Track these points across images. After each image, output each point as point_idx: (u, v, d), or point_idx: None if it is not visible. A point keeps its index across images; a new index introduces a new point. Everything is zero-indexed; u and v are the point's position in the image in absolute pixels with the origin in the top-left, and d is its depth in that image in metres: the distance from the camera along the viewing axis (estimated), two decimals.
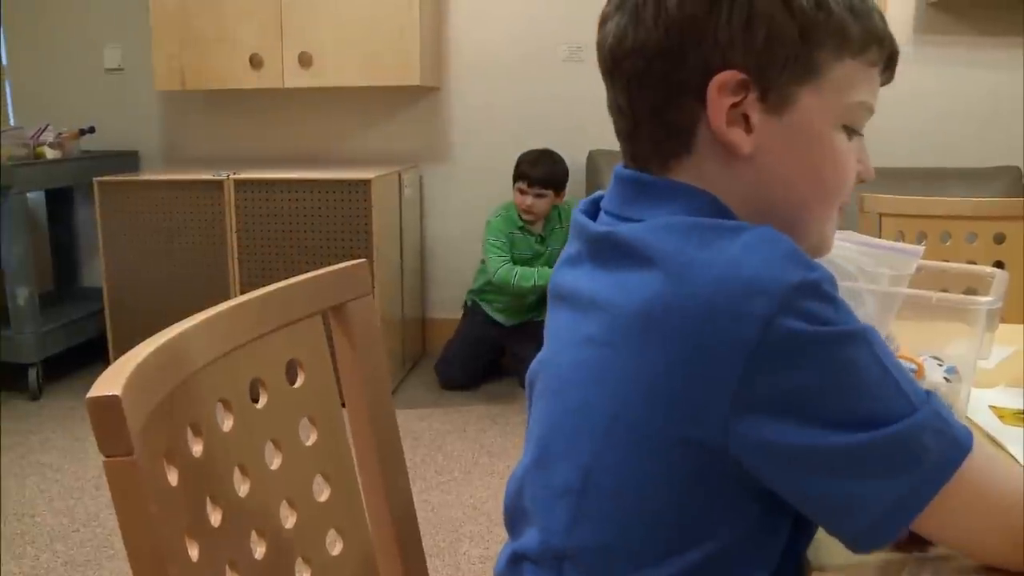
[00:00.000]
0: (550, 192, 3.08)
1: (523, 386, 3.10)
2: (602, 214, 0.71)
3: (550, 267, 3.15)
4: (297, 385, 0.84)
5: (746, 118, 0.65)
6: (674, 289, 0.59)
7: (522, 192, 3.09)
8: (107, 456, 0.54)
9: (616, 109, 0.70)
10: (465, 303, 3.32)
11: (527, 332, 3.20)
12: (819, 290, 0.57)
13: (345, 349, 0.89)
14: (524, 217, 3.11)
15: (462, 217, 3.48)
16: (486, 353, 3.23)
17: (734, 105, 0.64)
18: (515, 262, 3.13)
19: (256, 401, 0.79)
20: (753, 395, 0.57)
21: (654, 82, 0.66)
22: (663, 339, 0.59)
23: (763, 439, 0.57)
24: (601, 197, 0.74)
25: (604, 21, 0.70)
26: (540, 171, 3.07)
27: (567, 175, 3.14)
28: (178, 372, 0.66)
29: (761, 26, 0.63)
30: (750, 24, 0.63)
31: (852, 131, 0.68)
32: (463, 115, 3.48)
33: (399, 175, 3.19)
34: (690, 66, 0.64)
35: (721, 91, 0.64)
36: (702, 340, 0.57)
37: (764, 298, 0.56)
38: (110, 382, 0.55)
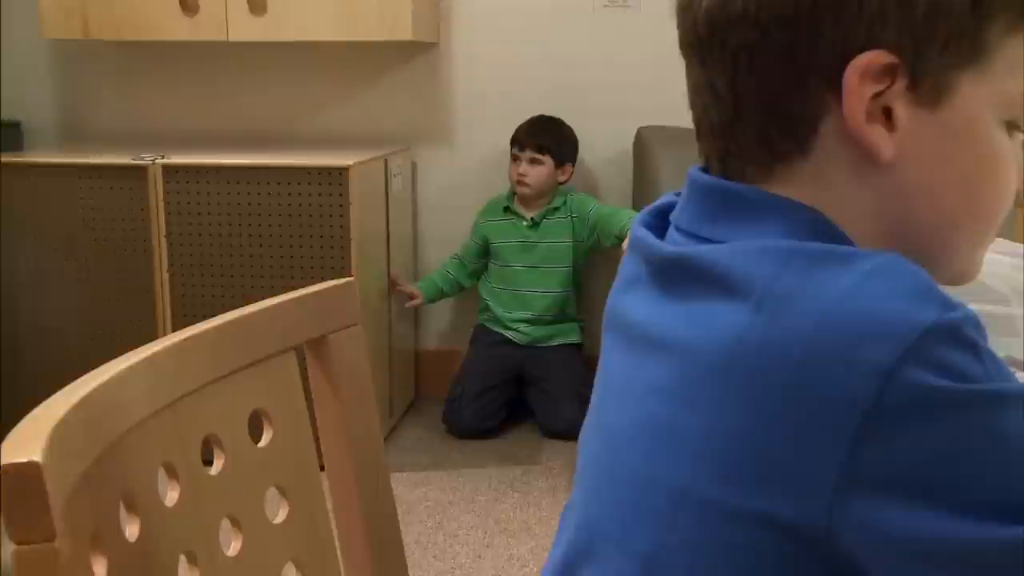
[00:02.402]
0: (547, 159, 3.25)
1: (550, 434, 3.24)
2: (672, 231, 0.72)
3: (547, 263, 3.31)
4: (263, 444, 0.85)
5: (888, 112, 0.65)
6: (767, 327, 0.59)
7: (514, 159, 3.29)
8: (19, 543, 0.55)
9: (708, 94, 0.70)
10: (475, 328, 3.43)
11: (556, 356, 3.29)
12: (959, 334, 0.57)
13: (326, 396, 0.90)
14: (518, 190, 3.29)
15: (467, 216, 3.50)
16: (504, 385, 3.31)
17: (875, 95, 0.65)
18: (496, 253, 3.36)
19: (209, 465, 0.79)
20: (867, 469, 0.56)
21: (771, 60, 0.66)
22: (749, 391, 0.59)
23: (878, 526, 0.57)
24: (668, 207, 0.74)
25: None
26: (535, 131, 3.27)
27: (575, 147, 3.32)
28: (108, 430, 0.66)
29: None
30: None
31: (1015, 127, 0.68)
32: (469, 81, 3.50)
33: (385, 161, 3.21)
34: (824, 42, 0.64)
35: (863, 77, 0.64)
36: (801, 394, 0.57)
37: (885, 342, 0.56)
38: (24, 444, 0.56)
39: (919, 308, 0.57)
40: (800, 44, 0.65)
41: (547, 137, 3.27)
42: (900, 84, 0.64)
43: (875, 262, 0.59)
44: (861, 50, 0.64)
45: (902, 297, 0.57)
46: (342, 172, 2.92)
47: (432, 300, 3.42)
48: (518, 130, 3.31)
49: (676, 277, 0.67)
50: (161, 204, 2.99)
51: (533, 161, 3.26)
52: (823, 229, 0.66)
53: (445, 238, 3.55)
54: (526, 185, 3.27)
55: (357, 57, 3.51)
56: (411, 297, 3.34)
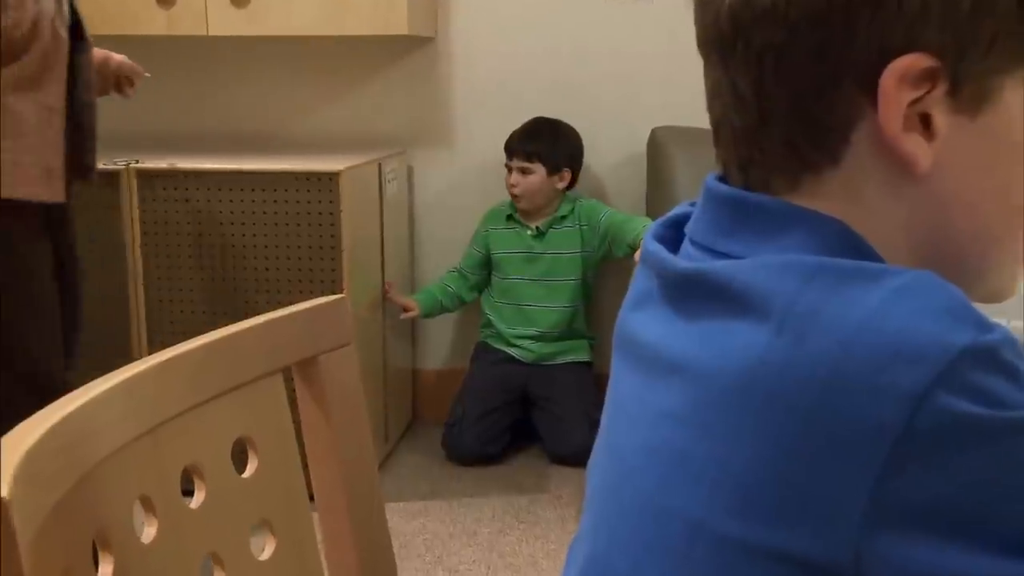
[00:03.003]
0: (538, 167, 3.25)
1: (558, 460, 3.24)
2: (687, 244, 0.72)
3: (553, 276, 3.32)
4: (248, 474, 0.85)
5: (926, 120, 0.65)
6: (788, 348, 0.59)
7: (507, 168, 3.30)
8: None
9: (729, 97, 0.70)
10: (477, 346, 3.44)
11: (564, 375, 3.29)
12: (995, 357, 0.57)
13: (316, 421, 0.90)
14: (516, 203, 3.31)
15: (467, 223, 3.51)
16: (508, 407, 3.31)
17: (913, 102, 0.65)
18: (498, 265, 3.36)
19: (190, 497, 0.79)
20: (896, 500, 0.56)
21: (800, 62, 0.66)
22: (769, 417, 0.59)
23: (908, 564, 0.57)
24: (683, 218, 0.75)
25: None
26: (524, 138, 3.28)
27: (575, 150, 3.32)
28: (81, 459, 0.66)
29: None
30: None
31: None
32: (469, 79, 3.51)
33: (379, 165, 3.22)
34: (859, 43, 0.64)
35: (901, 82, 0.64)
36: (825, 421, 0.57)
37: (916, 365, 0.56)
38: None
39: (953, 329, 0.57)
40: (833, 45, 0.65)
41: (536, 143, 3.26)
42: (940, 89, 0.64)
43: (905, 279, 0.59)
44: (899, 52, 0.64)
45: (934, 317, 0.57)
46: (332, 177, 2.92)
47: (430, 314, 3.41)
48: (510, 136, 3.32)
49: (690, 294, 0.67)
50: (135, 213, 2.99)
51: (523, 171, 3.27)
52: (851, 244, 0.66)
53: (444, 247, 3.56)
54: (518, 197, 3.29)
55: (348, 53, 3.52)
56: (405, 309, 3.34)
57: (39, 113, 1.93)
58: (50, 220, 2.00)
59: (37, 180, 1.92)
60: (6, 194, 1.87)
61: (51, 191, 1.95)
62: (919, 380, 0.55)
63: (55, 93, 1.96)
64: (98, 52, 2.20)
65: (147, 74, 2.44)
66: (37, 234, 1.98)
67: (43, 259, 2.00)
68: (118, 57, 2.36)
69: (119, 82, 2.40)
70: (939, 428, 0.55)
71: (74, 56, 2.00)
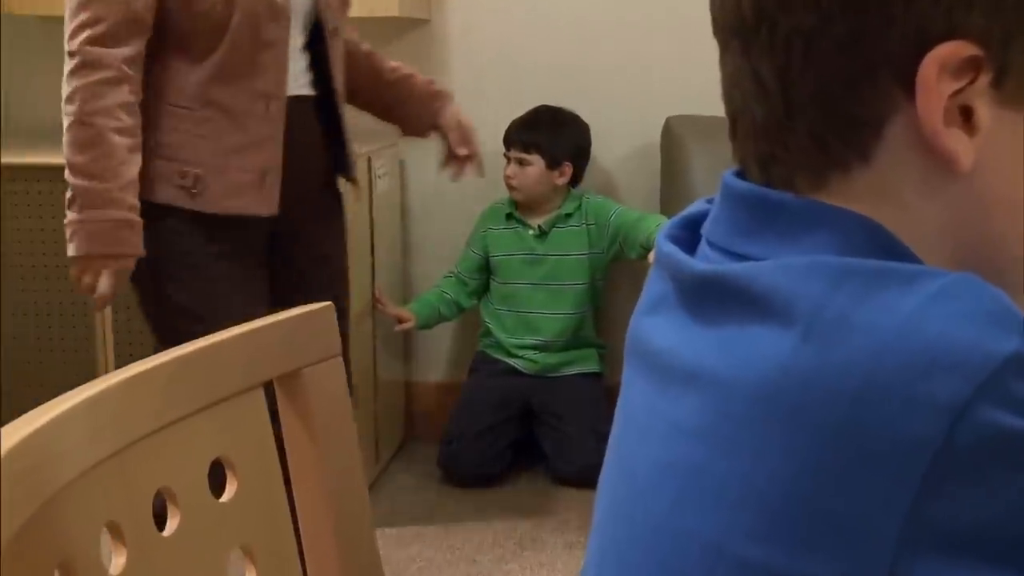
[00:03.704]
0: (537, 158, 3.26)
1: (563, 481, 3.24)
2: (704, 245, 0.72)
3: (557, 280, 3.32)
4: (226, 498, 0.85)
5: (966, 113, 0.65)
6: (815, 357, 0.59)
7: (506, 159, 3.32)
8: None
9: (751, 87, 0.70)
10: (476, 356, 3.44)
11: (570, 388, 3.29)
12: None
13: (300, 440, 0.90)
14: (510, 194, 3.33)
15: (465, 223, 3.51)
16: (509, 423, 3.31)
17: (954, 93, 0.65)
18: (496, 268, 3.37)
19: (162, 524, 0.79)
20: (934, 523, 0.56)
21: (831, 50, 0.66)
22: (793, 432, 0.59)
23: None
24: (700, 217, 0.75)
25: None
26: (522, 128, 3.30)
27: (580, 142, 3.32)
28: (43, 484, 0.66)
29: None
30: None
31: None
32: (466, 65, 3.52)
33: (368, 160, 3.22)
34: (896, 30, 0.64)
35: (942, 72, 0.64)
36: (856, 436, 0.57)
37: (956, 375, 0.56)
38: None
39: (996, 335, 0.57)
40: (867, 31, 0.65)
41: (536, 134, 3.27)
42: (983, 80, 0.64)
43: (944, 282, 0.59)
44: (939, 39, 0.64)
45: (976, 322, 0.57)
46: None
47: (427, 325, 3.41)
48: (509, 126, 3.34)
49: (708, 298, 0.67)
50: None
51: (520, 162, 3.28)
52: (883, 244, 0.66)
53: (440, 249, 3.56)
54: (514, 189, 3.30)
55: None
56: (399, 320, 3.34)
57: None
58: None
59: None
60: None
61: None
62: (959, 391, 0.55)
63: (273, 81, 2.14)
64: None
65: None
66: None
67: None
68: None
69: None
70: (981, 443, 0.55)
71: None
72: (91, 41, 2.01)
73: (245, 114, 2.10)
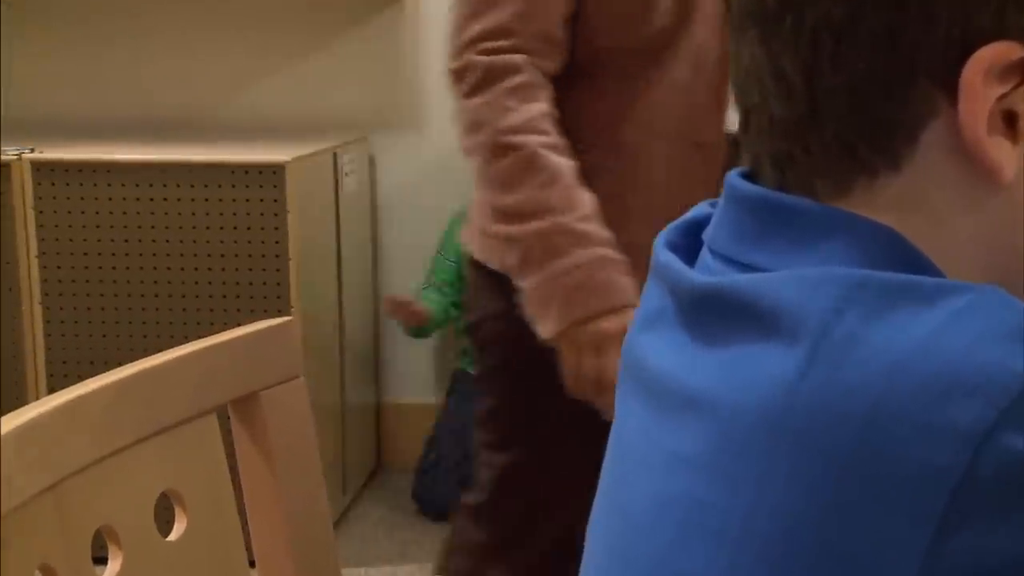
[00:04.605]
0: None
1: None
2: (706, 254, 0.72)
3: None
4: (175, 536, 0.84)
5: (1010, 119, 0.66)
6: (822, 379, 0.59)
7: None
8: None
9: (771, 81, 0.70)
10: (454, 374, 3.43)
11: None
12: None
13: (257, 471, 0.90)
14: None
15: (439, 225, 3.50)
16: None
17: (999, 98, 0.65)
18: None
19: (103, 566, 0.78)
20: (956, 562, 0.56)
21: (864, 46, 0.66)
22: (800, 461, 0.60)
23: None
24: (702, 222, 0.75)
25: None
26: None
27: None
28: None
29: None
30: None
31: None
32: (442, 46, 3.49)
33: (334, 155, 3.23)
34: (939, 28, 0.65)
35: (987, 75, 0.65)
36: (868, 466, 0.58)
37: (978, 399, 0.56)
38: None
39: (1021, 356, 0.57)
40: (906, 27, 0.65)
41: None
42: None
43: (968, 298, 0.60)
44: (985, 40, 0.64)
45: (1000, 342, 0.58)
46: (276, 170, 2.93)
47: (441, 324, 3.38)
48: None
49: (710, 315, 0.67)
50: (30, 213, 2.98)
51: None
52: (903, 257, 0.66)
53: (413, 254, 3.56)
54: None
55: (297, 18, 3.53)
56: (415, 316, 3.29)
57: None
58: None
59: None
60: None
61: None
62: (981, 416, 0.56)
63: None
64: None
65: None
66: None
67: None
68: None
69: None
70: (1005, 474, 0.56)
71: None
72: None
73: None
